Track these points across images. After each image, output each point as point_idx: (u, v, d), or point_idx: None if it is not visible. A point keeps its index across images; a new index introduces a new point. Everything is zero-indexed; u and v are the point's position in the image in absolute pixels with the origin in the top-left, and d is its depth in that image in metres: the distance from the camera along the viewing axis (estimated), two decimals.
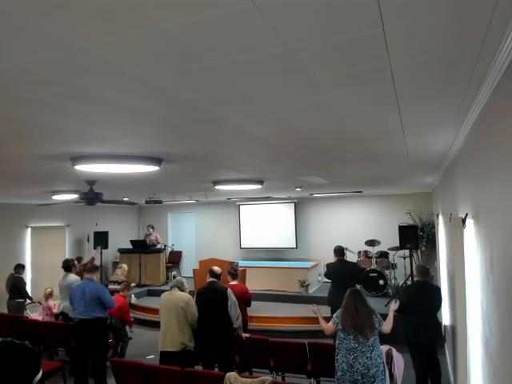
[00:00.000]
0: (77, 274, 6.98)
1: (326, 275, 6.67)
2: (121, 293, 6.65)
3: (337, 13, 1.18)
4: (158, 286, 11.16)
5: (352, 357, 3.81)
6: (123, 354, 6.49)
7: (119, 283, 7.27)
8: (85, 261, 9.75)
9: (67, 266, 6.75)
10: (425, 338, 4.68)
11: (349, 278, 6.09)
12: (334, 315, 4.12)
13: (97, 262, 9.73)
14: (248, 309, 5.89)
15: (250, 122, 2.53)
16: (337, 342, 4.00)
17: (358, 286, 8.81)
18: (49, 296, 7.20)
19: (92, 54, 1.40)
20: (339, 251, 6.55)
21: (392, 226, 9.72)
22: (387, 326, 4.07)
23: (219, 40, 1.34)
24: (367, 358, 3.79)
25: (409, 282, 8.57)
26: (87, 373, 5.31)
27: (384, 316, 4.20)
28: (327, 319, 4.26)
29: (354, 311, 3.90)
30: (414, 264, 8.46)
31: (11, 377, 1.42)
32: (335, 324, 4.02)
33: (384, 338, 4.19)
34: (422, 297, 4.79)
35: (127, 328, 6.63)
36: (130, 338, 7.85)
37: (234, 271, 5.84)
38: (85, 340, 5.20)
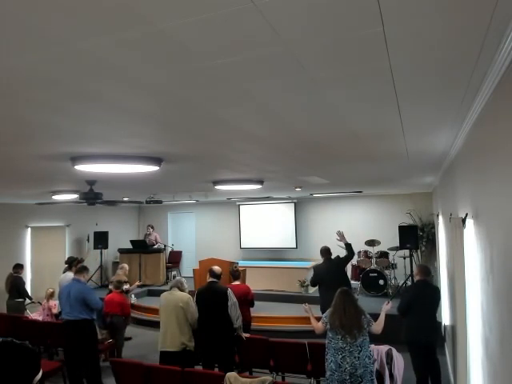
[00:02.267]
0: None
1: (313, 280, 6.32)
2: (114, 291, 6.63)
3: (337, 13, 1.18)
4: (158, 286, 11.16)
5: (340, 356, 3.82)
6: (119, 354, 6.48)
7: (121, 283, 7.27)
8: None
9: (70, 263, 6.77)
10: (426, 337, 4.68)
11: (336, 273, 6.00)
12: (324, 315, 4.14)
13: (95, 264, 9.67)
14: None
15: (250, 121, 2.53)
16: (326, 342, 4.02)
17: (359, 284, 8.82)
18: (50, 296, 7.21)
19: (92, 53, 1.40)
20: (325, 251, 6.39)
21: (392, 226, 9.72)
22: (378, 327, 4.07)
23: (219, 40, 1.34)
24: (355, 357, 3.79)
25: (409, 282, 8.59)
26: (81, 373, 5.29)
27: (378, 317, 4.20)
28: (319, 319, 4.27)
29: (342, 311, 3.90)
30: (414, 264, 8.48)
31: (11, 377, 1.42)
32: (324, 324, 4.03)
33: (385, 338, 4.19)
34: (423, 297, 4.79)
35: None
36: (130, 338, 7.87)
37: (236, 271, 5.83)
38: (72, 341, 5.20)
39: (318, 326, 4.12)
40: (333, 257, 6.46)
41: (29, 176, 4.89)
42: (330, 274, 6.07)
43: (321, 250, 6.47)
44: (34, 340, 6.12)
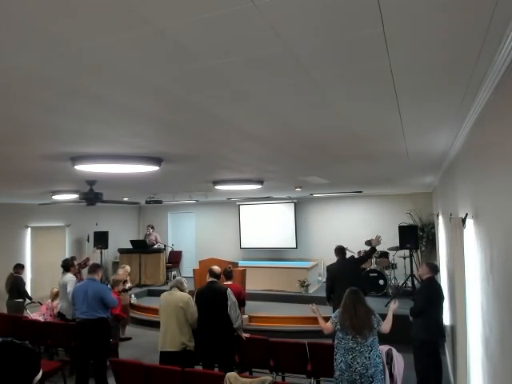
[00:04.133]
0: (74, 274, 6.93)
1: (329, 282, 6.13)
2: (114, 289, 6.61)
3: (337, 13, 1.18)
4: (158, 286, 11.17)
5: (350, 357, 3.81)
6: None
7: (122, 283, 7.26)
8: (79, 261, 9.62)
9: (66, 266, 6.75)
10: (437, 335, 4.69)
11: (350, 273, 5.93)
12: (333, 315, 4.11)
13: (92, 262, 9.57)
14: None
15: (249, 121, 2.53)
16: (336, 342, 4.00)
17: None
18: (55, 296, 7.17)
19: (92, 53, 1.40)
20: (340, 250, 6.33)
21: (392, 226, 9.72)
22: (386, 326, 4.07)
23: (219, 40, 1.34)
24: (366, 358, 3.78)
25: (409, 282, 8.59)
26: (88, 373, 5.31)
27: (384, 316, 4.20)
28: (326, 319, 4.26)
29: (352, 311, 3.89)
30: (414, 264, 8.48)
31: (11, 377, 1.42)
32: (334, 324, 4.02)
33: (385, 338, 4.19)
34: (436, 295, 4.79)
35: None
36: (130, 338, 7.87)
37: (228, 272, 5.84)
38: (87, 340, 5.20)
39: (327, 327, 4.10)
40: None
41: (29, 176, 4.89)
42: (344, 273, 5.95)
43: (335, 249, 6.38)
44: (34, 340, 6.13)
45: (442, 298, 4.81)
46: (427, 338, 4.69)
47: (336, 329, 3.99)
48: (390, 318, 4.18)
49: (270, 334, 6.08)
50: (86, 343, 5.22)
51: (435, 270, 5.00)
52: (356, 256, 9.26)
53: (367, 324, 3.85)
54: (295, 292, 9.57)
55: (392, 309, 4.33)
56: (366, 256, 6.44)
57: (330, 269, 6.36)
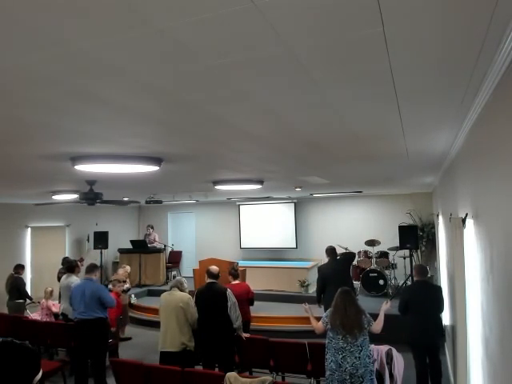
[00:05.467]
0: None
1: (320, 284, 6.16)
2: (113, 289, 6.59)
3: (337, 13, 1.18)
4: (158, 286, 11.17)
5: (340, 356, 3.82)
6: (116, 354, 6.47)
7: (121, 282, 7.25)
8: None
9: (70, 267, 6.74)
10: (426, 337, 4.69)
11: (342, 273, 6.02)
12: (324, 314, 4.13)
13: (88, 263, 9.54)
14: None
15: (249, 121, 2.53)
16: (326, 342, 4.01)
17: (359, 284, 8.83)
18: (49, 296, 7.18)
19: (92, 54, 1.40)
20: (331, 251, 6.38)
21: (392, 226, 9.72)
22: (378, 326, 4.07)
23: (219, 40, 1.34)
24: (356, 357, 3.79)
25: (409, 282, 8.59)
26: (87, 373, 5.31)
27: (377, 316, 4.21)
28: (319, 319, 4.26)
29: (342, 311, 3.90)
30: (414, 264, 8.48)
31: (11, 377, 1.42)
32: (325, 323, 4.02)
33: (385, 338, 4.19)
34: (422, 296, 4.80)
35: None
36: (130, 338, 7.87)
37: (235, 271, 5.84)
38: (85, 340, 5.20)
39: (319, 326, 4.11)
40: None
41: (29, 176, 4.89)
42: (336, 273, 6.03)
43: (326, 250, 6.46)
44: (34, 340, 6.13)
45: (423, 301, 4.79)
46: (409, 341, 4.81)
47: (327, 328, 4.00)
48: (381, 318, 4.19)
49: (270, 333, 6.07)
50: (84, 343, 5.21)
51: (421, 273, 5.08)
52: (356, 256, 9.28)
53: (357, 324, 3.86)
54: (295, 292, 9.57)
55: (383, 309, 4.34)
56: (351, 255, 6.51)
57: (321, 269, 6.39)
